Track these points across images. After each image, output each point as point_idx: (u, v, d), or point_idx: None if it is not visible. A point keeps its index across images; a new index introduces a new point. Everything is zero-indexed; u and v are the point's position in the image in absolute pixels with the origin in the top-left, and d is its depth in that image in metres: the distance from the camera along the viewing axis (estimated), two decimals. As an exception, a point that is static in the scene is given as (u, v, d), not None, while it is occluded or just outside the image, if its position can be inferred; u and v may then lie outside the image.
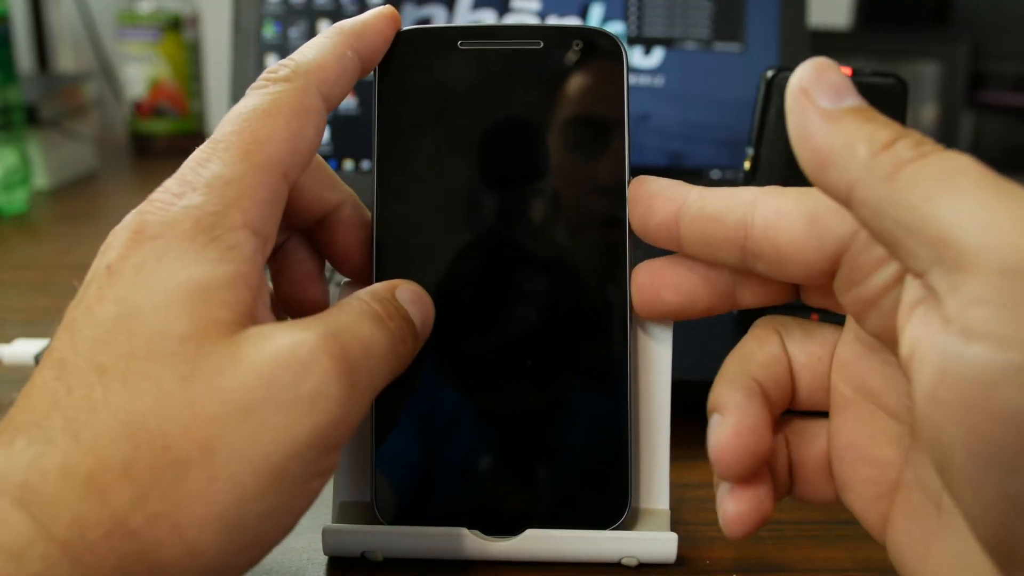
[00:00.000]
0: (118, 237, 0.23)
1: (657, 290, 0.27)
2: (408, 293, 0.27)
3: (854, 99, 0.20)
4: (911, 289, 0.20)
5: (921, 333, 0.19)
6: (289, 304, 0.30)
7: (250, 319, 0.23)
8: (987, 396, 0.17)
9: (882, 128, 0.20)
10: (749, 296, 0.26)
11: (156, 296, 0.22)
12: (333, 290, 0.30)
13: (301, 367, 0.22)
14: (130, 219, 0.23)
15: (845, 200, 0.20)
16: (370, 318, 0.25)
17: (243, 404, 0.21)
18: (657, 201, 0.26)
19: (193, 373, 0.21)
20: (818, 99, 0.20)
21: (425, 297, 0.28)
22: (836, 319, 0.26)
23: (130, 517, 0.20)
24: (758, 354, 0.26)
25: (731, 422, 0.24)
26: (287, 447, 0.21)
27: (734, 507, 0.24)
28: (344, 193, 0.29)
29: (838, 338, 0.26)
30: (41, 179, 0.82)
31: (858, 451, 0.25)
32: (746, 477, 0.25)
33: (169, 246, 0.22)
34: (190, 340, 0.21)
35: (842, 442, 0.25)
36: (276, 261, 0.30)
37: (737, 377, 0.25)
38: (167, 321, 0.21)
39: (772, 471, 0.25)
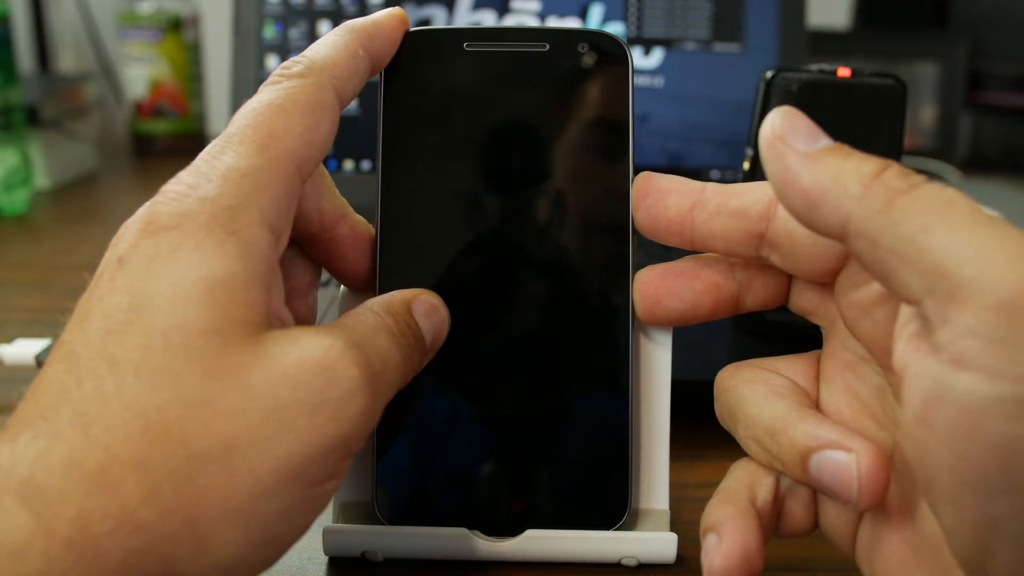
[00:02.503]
0: (130, 228, 0.22)
1: (660, 297, 0.27)
2: (424, 307, 0.27)
3: (826, 140, 0.21)
4: (906, 309, 0.21)
5: (912, 356, 0.20)
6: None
7: (269, 319, 0.22)
8: (976, 424, 0.18)
9: (865, 162, 0.20)
10: (751, 299, 0.27)
11: (172, 288, 0.21)
12: (321, 296, 0.30)
13: (329, 373, 0.22)
14: (143, 210, 0.23)
15: (839, 235, 0.20)
16: (386, 332, 0.24)
17: (269, 402, 0.21)
18: (671, 197, 0.26)
19: (216, 368, 0.21)
20: (795, 143, 0.21)
21: (441, 311, 0.27)
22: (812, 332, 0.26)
23: (140, 511, 0.19)
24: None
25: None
26: (309, 448, 0.21)
27: (722, 563, 0.24)
28: (344, 204, 0.28)
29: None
30: (42, 179, 0.82)
31: None
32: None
33: (185, 238, 0.22)
34: (212, 335, 0.21)
35: None
36: None
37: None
38: (186, 315, 0.21)
39: (761, 516, 0.25)
